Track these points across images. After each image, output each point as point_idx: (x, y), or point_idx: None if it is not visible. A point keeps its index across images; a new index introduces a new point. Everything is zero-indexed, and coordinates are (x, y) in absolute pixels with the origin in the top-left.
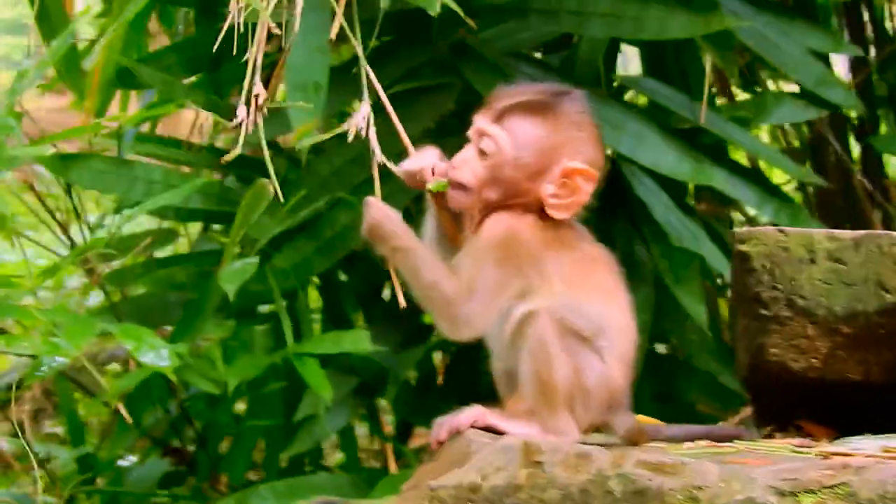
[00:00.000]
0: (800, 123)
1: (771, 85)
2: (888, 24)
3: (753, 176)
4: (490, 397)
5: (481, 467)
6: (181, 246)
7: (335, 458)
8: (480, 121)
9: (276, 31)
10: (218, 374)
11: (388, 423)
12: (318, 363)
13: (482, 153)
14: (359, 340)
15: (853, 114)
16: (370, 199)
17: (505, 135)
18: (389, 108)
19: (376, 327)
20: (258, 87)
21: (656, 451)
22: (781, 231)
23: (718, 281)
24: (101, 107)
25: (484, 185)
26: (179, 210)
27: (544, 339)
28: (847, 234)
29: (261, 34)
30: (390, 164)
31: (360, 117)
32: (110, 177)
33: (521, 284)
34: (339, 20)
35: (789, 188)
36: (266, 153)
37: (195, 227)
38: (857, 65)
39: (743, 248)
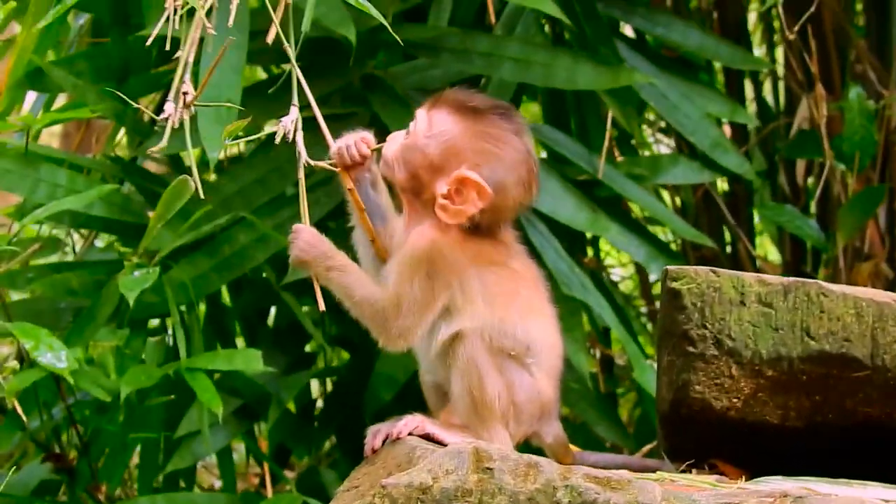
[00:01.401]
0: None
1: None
2: (768, 99)
3: (645, 232)
4: (362, 429)
5: (432, 469)
6: (65, 256)
7: (206, 480)
8: (422, 105)
9: (211, 30)
10: (110, 382)
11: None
12: (208, 378)
13: (407, 132)
14: (251, 360)
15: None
16: (298, 226)
17: (426, 121)
18: (319, 116)
19: (260, 351)
20: (187, 85)
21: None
22: (714, 272)
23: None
24: (9, 107)
25: (397, 162)
26: (77, 216)
27: (474, 359)
28: (777, 279)
29: (194, 33)
30: (317, 163)
31: (289, 120)
32: (15, 176)
33: (446, 298)
34: (276, 28)
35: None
36: (189, 149)
37: (78, 238)
38: (735, 137)
39: (674, 285)
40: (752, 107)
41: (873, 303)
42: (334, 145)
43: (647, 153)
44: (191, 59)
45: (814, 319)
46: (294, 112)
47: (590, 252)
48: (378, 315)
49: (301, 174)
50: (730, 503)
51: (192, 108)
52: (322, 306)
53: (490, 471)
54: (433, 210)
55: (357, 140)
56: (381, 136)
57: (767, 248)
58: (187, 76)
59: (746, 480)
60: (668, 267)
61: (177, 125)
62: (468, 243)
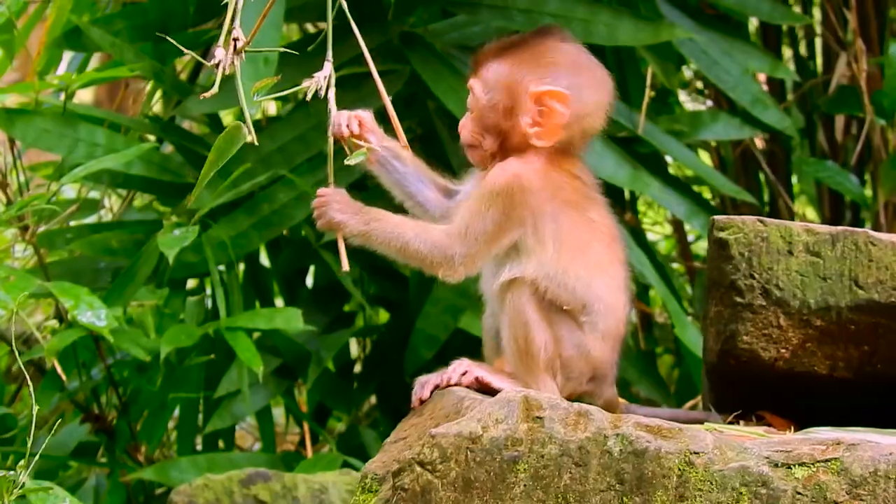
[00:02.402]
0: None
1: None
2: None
3: (685, 188)
4: (408, 388)
5: (481, 418)
6: (104, 217)
7: (245, 442)
8: (470, 79)
9: None
10: (150, 342)
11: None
12: (248, 338)
13: (469, 108)
14: (291, 318)
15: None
16: (324, 189)
17: (478, 84)
18: (373, 70)
19: (300, 310)
20: (237, 31)
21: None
22: (761, 221)
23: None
24: (47, 66)
25: (479, 136)
26: (116, 175)
27: (524, 308)
28: (825, 228)
29: None
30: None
31: (322, 76)
32: (54, 136)
33: (516, 236)
34: None
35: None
36: (241, 93)
37: (116, 199)
38: (773, 94)
39: (721, 234)
40: (790, 65)
41: None
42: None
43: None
44: (240, 4)
45: (862, 268)
46: (328, 68)
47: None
48: (438, 246)
49: (330, 133)
50: (782, 450)
51: (243, 55)
52: (346, 266)
53: (540, 420)
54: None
55: (350, 116)
56: (415, 97)
57: (805, 209)
58: (237, 21)
59: (794, 432)
60: (716, 217)
61: (227, 71)
62: (550, 176)
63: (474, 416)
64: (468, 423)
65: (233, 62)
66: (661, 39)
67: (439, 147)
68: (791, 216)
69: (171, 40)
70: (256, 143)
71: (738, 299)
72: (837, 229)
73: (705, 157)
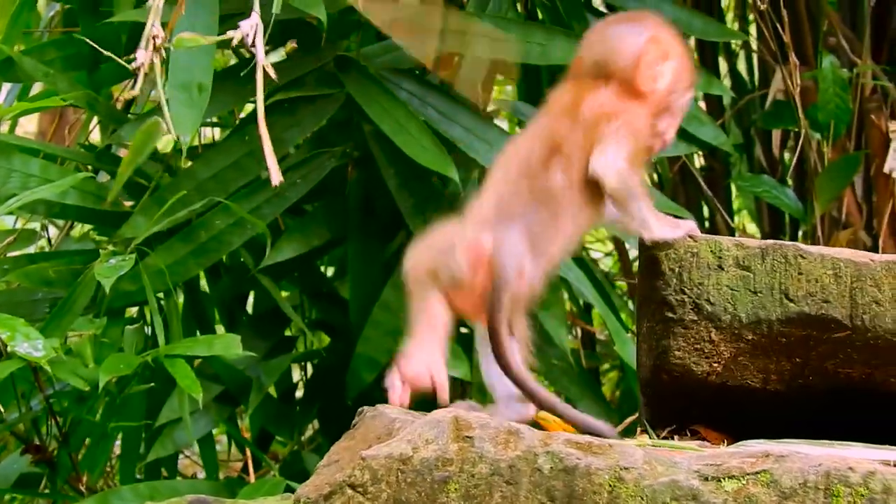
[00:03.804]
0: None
1: None
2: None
3: None
4: (350, 412)
5: (412, 439)
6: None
7: (190, 469)
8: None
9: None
10: (88, 371)
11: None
12: (188, 365)
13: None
14: (230, 345)
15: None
16: None
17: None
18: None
19: (240, 336)
20: (157, 29)
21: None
22: (691, 237)
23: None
24: None
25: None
26: (51, 205)
27: None
28: (755, 242)
29: None
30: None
31: (248, 25)
32: None
33: None
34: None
35: None
36: (161, 91)
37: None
38: (710, 111)
39: (653, 252)
40: (726, 80)
41: (851, 263)
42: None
43: None
44: (160, 4)
45: (792, 281)
46: (254, 18)
47: None
48: None
49: (260, 88)
50: (712, 464)
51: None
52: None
53: (471, 439)
54: None
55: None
56: (350, 121)
57: (745, 224)
58: (157, 21)
59: (728, 445)
60: (647, 235)
61: (147, 71)
62: None
63: (405, 437)
64: (398, 444)
65: (153, 62)
66: None
67: (375, 170)
68: (730, 232)
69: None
70: (175, 136)
71: (670, 315)
72: (767, 243)
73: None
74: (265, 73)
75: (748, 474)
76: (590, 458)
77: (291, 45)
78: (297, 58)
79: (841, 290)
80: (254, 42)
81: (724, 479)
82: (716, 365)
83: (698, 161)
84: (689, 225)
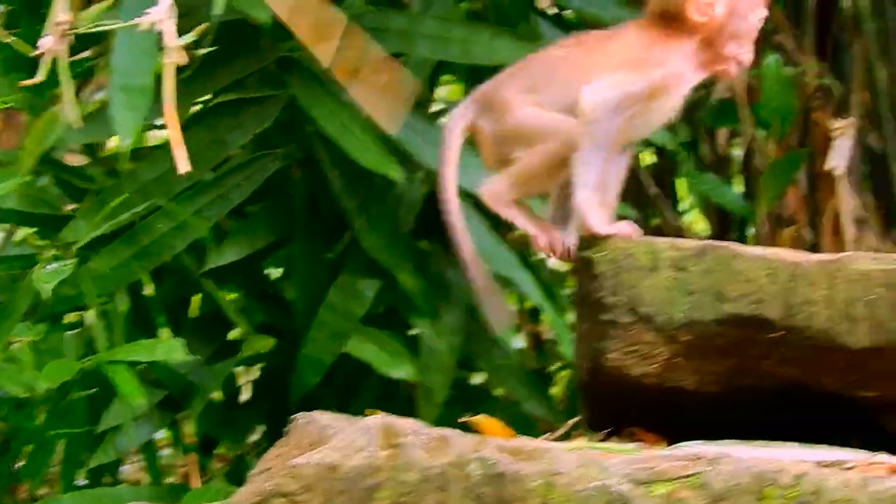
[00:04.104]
0: None
1: None
2: None
3: None
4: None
5: (342, 447)
6: None
7: (136, 475)
8: None
9: None
10: (27, 378)
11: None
12: (129, 371)
13: None
14: (172, 349)
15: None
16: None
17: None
18: None
19: (182, 340)
20: (63, 14)
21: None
22: (626, 238)
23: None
24: None
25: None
26: None
27: None
28: (690, 243)
29: None
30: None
31: (159, 11)
32: None
33: None
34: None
35: None
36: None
37: None
38: None
39: (587, 253)
40: None
41: (786, 263)
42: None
43: None
44: None
45: (727, 282)
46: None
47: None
48: None
49: (170, 74)
50: (644, 467)
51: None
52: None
53: (400, 446)
54: None
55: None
56: (294, 122)
57: (697, 222)
58: (64, 3)
59: (665, 447)
60: (582, 235)
61: (51, 56)
62: None
63: (335, 444)
64: (329, 451)
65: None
66: None
67: (319, 171)
68: (677, 231)
69: None
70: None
71: (605, 317)
72: (702, 244)
73: None
74: (211, 73)
75: (680, 477)
76: (521, 463)
77: (202, 28)
78: (239, 58)
79: (775, 290)
80: (164, 27)
81: (655, 482)
82: (652, 367)
83: (649, 160)
84: (625, 228)
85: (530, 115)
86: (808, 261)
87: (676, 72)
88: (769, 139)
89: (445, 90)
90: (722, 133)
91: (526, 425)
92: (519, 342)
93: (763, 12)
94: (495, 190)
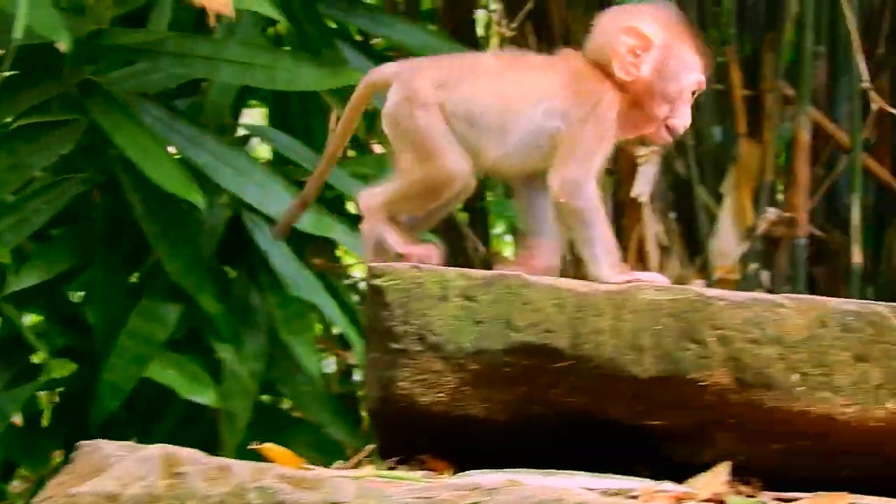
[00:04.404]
0: None
1: None
2: None
3: None
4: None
5: (121, 476)
6: None
7: None
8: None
9: None
10: None
11: None
12: None
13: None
14: None
15: None
16: None
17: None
18: None
19: None
20: None
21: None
22: (416, 267)
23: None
24: None
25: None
26: None
27: None
28: (479, 273)
29: None
30: None
31: None
32: None
33: None
34: None
35: None
36: None
37: None
38: None
39: (377, 282)
40: None
41: (574, 293)
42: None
43: None
44: None
45: (516, 311)
46: None
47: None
48: None
49: None
50: (423, 497)
51: None
52: None
53: (181, 475)
54: None
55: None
56: (96, 147)
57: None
58: None
59: (453, 475)
60: (371, 264)
61: None
62: None
63: (114, 473)
64: (107, 481)
65: None
66: (343, 83)
67: (121, 195)
68: (485, 257)
69: None
70: None
71: (395, 345)
72: (492, 274)
73: None
74: (12, 97)
75: None
76: (301, 492)
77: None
78: (40, 82)
79: (564, 320)
80: None
81: None
82: (440, 395)
83: None
84: (646, 275)
85: (428, 129)
86: (595, 291)
87: (608, 116)
88: None
89: (250, 116)
90: None
91: (334, 451)
92: (327, 367)
93: (699, 76)
94: (372, 203)
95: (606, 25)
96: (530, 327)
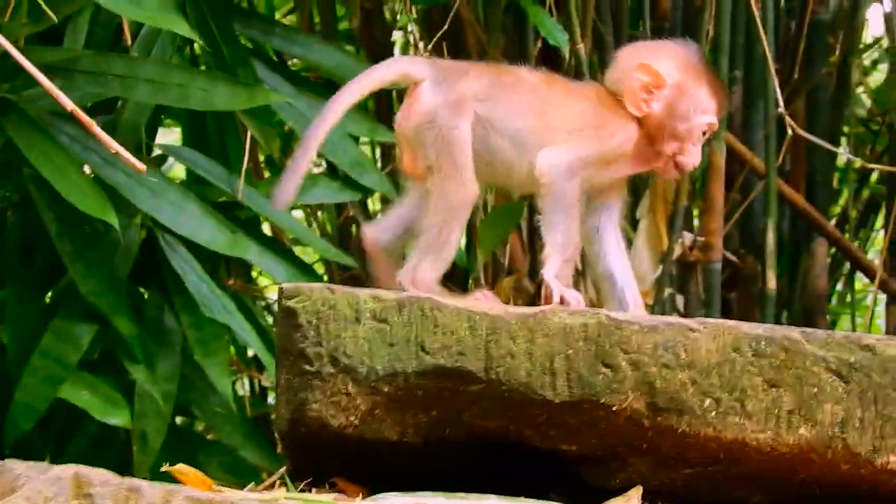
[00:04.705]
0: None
1: None
2: None
3: (287, 253)
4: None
5: (30, 496)
6: None
7: None
8: None
9: None
10: None
11: None
12: None
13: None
14: None
15: None
16: None
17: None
18: None
19: None
20: None
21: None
22: (329, 289)
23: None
24: None
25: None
26: None
27: None
28: (392, 295)
29: None
30: None
31: None
32: None
33: None
34: None
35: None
36: None
37: None
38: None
39: (290, 303)
40: None
41: (487, 316)
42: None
43: None
44: None
45: (428, 334)
46: None
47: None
48: None
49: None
50: None
51: None
52: None
53: (90, 496)
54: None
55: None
56: (11, 166)
57: None
58: None
59: (364, 498)
60: (283, 285)
61: None
62: None
63: (24, 493)
64: (18, 501)
65: None
66: (256, 104)
67: (34, 214)
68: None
69: None
70: None
71: (307, 367)
72: (404, 296)
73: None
74: None
75: None
76: None
77: None
78: None
79: (476, 343)
80: None
81: None
82: (353, 418)
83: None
84: (571, 294)
85: (463, 142)
86: (508, 314)
87: (625, 148)
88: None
89: (164, 136)
90: None
91: (248, 473)
92: (242, 389)
93: (711, 118)
94: (424, 277)
95: (625, 60)
96: (443, 350)
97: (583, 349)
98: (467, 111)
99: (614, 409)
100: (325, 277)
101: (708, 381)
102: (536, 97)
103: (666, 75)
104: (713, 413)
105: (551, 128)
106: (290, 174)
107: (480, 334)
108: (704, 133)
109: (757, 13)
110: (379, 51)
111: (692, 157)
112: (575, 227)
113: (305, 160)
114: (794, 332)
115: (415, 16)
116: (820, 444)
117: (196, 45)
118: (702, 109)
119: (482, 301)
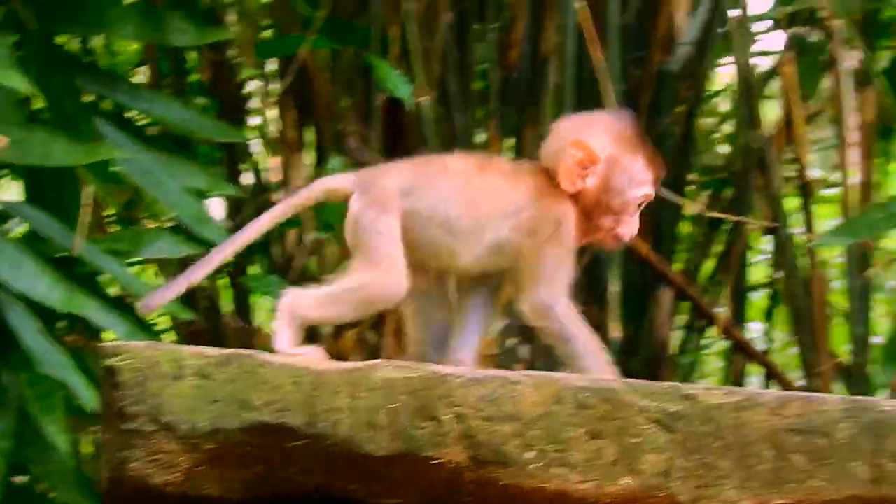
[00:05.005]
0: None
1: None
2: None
3: (124, 308)
4: None
5: None
6: None
7: None
8: None
9: None
10: None
11: None
12: None
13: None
14: None
15: None
16: None
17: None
18: None
19: None
20: None
21: None
22: (152, 346)
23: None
24: None
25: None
26: None
27: None
28: (215, 351)
29: None
30: None
31: None
32: None
33: None
34: None
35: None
36: None
37: None
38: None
39: (111, 362)
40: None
41: (310, 371)
42: None
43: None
44: None
45: (252, 390)
46: None
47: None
48: None
49: None
50: None
51: None
52: None
53: None
54: None
55: None
56: None
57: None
58: None
59: None
60: (103, 344)
61: None
62: None
63: None
64: None
65: None
66: (96, 159)
67: None
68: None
69: None
70: None
71: (127, 426)
72: (228, 352)
73: None
74: None
75: None
76: None
77: None
78: None
79: (300, 398)
80: None
81: None
82: (174, 476)
83: None
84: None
85: (384, 236)
86: (331, 369)
87: (573, 231)
88: (335, 240)
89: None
90: (291, 235)
91: None
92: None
93: (647, 190)
94: (295, 304)
95: (558, 135)
96: (266, 406)
97: (406, 402)
98: (392, 207)
99: (436, 462)
100: (173, 332)
101: (531, 433)
102: (465, 184)
103: (599, 151)
104: (536, 464)
105: (485, 214)
106: (176, 284)
107: (304, 389)
108: (641, 204)
109: (603, 63)
110: (233, 101)
111: (630, 228)
112: (590, 338)
113: (199, 274)
114: (616, 383)
115: (262, 70)
116: (643, 494)
117: (37, 101)
118: (637, 182)
119: (310, 356)
